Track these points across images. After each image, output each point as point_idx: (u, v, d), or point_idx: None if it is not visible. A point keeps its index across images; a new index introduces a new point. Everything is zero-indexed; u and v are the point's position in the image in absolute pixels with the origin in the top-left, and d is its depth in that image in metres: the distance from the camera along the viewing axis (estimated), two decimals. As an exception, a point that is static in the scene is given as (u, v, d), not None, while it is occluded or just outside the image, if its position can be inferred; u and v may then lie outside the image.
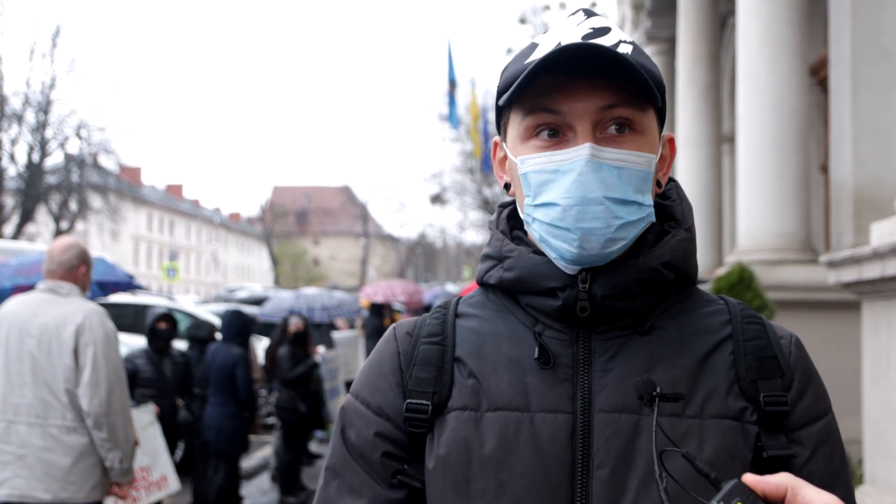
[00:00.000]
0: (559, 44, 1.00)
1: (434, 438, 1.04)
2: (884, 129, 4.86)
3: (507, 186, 1.10)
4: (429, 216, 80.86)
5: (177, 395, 6.45)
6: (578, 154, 0.99)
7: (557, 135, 1.01)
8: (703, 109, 9.40)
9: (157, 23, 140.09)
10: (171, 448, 5.97)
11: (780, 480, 0.76)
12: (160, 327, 6.37)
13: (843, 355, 5.13)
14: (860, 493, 3.81)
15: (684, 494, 0.84)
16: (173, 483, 5.33)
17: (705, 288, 5.85)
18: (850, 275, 4.02)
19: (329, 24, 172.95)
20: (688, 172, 9.41)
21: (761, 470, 0.96)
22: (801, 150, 6.13)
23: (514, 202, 1.14)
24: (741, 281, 5.45)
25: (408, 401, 1.06)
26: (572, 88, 0.99)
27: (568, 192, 0.99)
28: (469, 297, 1.15)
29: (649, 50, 12.45)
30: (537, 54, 1.02)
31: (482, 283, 1.13)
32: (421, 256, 68.49)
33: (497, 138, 1.12)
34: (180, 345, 7.43)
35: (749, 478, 0.77)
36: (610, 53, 0.96)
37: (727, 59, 10.64)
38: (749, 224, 6.23)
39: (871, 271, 3.74)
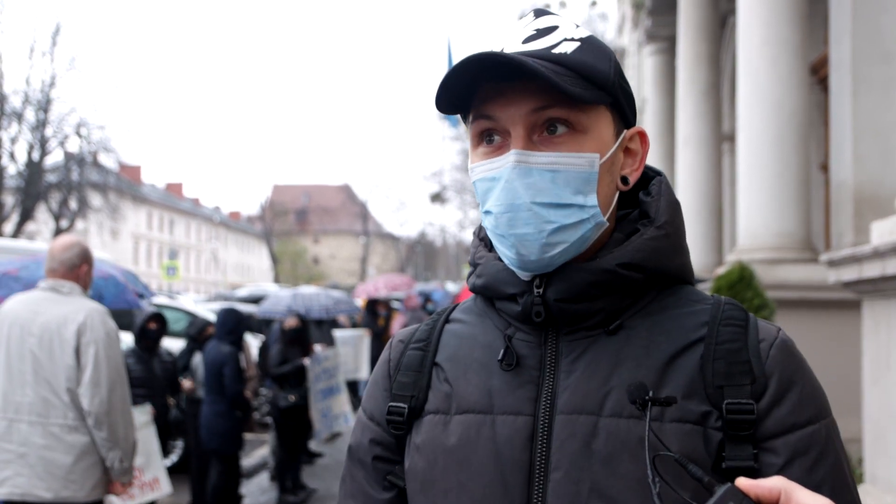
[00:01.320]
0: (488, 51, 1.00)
1: (411, 440, 1.08)
2: (884, 129, 4.87)
3: None
4: (429, 215, 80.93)
5: (167, 394, 6.45)
6: (505, 161, 0.99)
7: (498, 141, 1.01)
8: (704, 109, 9.39)
9: (156, 21, 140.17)
10: (164, 447, 5.95)
11: (774, 484, 0.76)
12: (151, 327, 6.37)
13: (843, 354, 5.14)
14: (860, 493, 3.81)
15: (678, 499, 0.83)
16: (165, 486, 5.30)
17: (705, 287, 5.85)
18: (850, 274, 4.03)
19: (329, 23, 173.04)
20: (688, 172, 9.41)
21: (722, 479, 0.96)
22: (801, 149, 6.13)
23: None
24: (741, 280, 5.45)
25: (389, 404, 1.10)
26: (505, 94, 0.99)
27: (498, 199, 0.99)
28: (464, 303, 1.18)
29: (649, 49, 12.44)
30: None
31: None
32: (421, 255, 68.47)
33: None
34: (178, 343, 7.42)
35: (742, 482, 0.76)
36: (501, 58, 0.95)
37: (727, 58, 10.64)
38: (749, 223, 6.23)
39: (872, 270, 3.74)
